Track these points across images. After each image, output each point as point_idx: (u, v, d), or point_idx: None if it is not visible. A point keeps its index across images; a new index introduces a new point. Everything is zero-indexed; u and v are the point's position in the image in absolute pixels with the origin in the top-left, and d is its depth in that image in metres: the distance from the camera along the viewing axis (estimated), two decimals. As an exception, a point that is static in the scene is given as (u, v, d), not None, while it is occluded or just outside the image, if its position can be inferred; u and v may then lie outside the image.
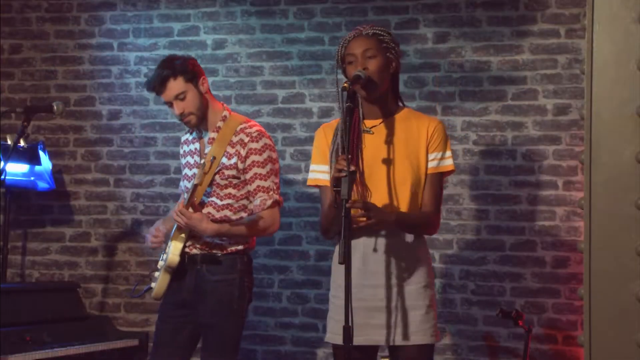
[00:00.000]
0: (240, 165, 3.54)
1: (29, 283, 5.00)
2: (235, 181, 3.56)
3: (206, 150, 3.60)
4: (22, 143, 4.28)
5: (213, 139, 3.60)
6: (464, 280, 4.61)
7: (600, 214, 2.40)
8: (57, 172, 5.06)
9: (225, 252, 3.55)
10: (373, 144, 3.07)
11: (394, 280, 3.01)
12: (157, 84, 3.56)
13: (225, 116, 3.64)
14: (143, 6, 5.10)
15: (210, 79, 4.94)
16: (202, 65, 4.94)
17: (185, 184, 3.67)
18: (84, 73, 5.15)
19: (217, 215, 3.55)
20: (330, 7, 4.86)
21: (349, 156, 2.80)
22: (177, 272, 3.56)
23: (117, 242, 5.06)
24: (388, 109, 3.12)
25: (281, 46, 4.92)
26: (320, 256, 4.78)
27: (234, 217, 3.56)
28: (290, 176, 4.87)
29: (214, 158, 3.47)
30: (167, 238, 3.62)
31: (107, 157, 5.09)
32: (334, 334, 3.07)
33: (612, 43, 2.41)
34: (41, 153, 4.76)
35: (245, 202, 3.58)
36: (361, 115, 3.05)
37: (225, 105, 3.71)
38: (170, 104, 3.59)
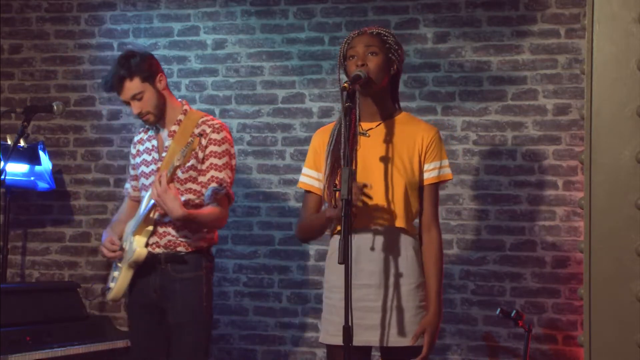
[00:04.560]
0: (200, 155, 3.55)
1: (29, 283, 5.00)
2: (194, 174, 3.56)
3: (167, 144, 3.60)
4: (22, 143, 4.28)
5: (174, 131, 3.61)
6: (464, 280, 4.61)
7: (600, 214, 2.39)
8: (57, 172, 5.06)
9: (189, 250, 3.55)
10: (368, 147, 3.07)
11: (385, 280, 3.00)
12: (113, 84, 3.57)
13: (185, 110, 3.65)
14: (143, 6, 5.10)
15: (210, 79, 4.98)
16: (202, 66, 4.99)
17: (143, 182, 3.67)
18: (84, 73, 5.15)
19: None
20: (330, 7, 4.86)
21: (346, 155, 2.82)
22: (139, 272, 3.56)
23: (117, 242, 5.06)
24: (385, 112, 3.11)
25: (281, 46, 4.92)
26: (320, 256, 4.78)
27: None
28: (290, 176, 4.87)
29: (186, 145, 3.43)
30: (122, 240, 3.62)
31: (107, 157, 5.09)
32: (326, 335, 3.07)
33: (612, 43, 2.41)
34: (41, 153, 4.76)
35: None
36: (358, 117, 3.05)
37: (185, 101, 3.71)
38: (127, 103, 3.60)
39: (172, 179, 3.41)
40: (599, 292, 2.38)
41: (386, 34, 3.09)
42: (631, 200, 2.37)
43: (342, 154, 2.89)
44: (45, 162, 4.82)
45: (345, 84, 2.89)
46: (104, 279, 5.05)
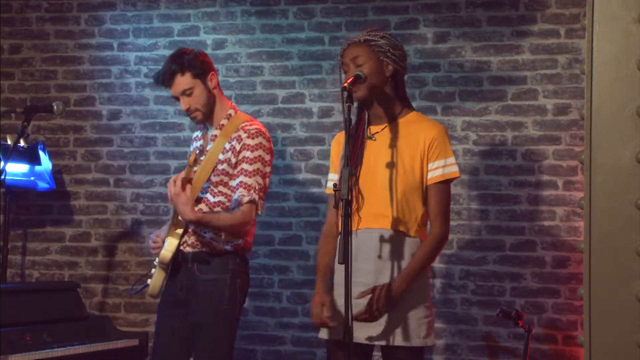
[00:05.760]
0: (233, 160, 3.52)
1: (29, 283, 4.99)
2: (226, 179, 3.54)
3: (208, 147, 3.59)
4: (22, 143, 4.27)
5: (215, 136, 3.59)
6: (464, 280, 4.61)
7: (600, 214, 2.40)
8: (57, 172, 5.06)
9: (216, 251, 3.52)
10: (373, 150, 3.09)
11: (384, 279, 3.01)
12: (165, 78, 3.57)
13: (230, 114, 3.61)
14: (143, 6, 5.10)
15: (210, 79, 4.97)
16: (202, 65, 4.98)
17: None
18: (84, 73, 5.15)
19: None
20: (330, 7, 4.86)
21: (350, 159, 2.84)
22: (172, 270, 3.56)
23: (117, 242, 5.06)
24: (391, 113, 3.12)
25: (281, 46, 4.91)
26: (320, 256, 4.77)
27: None
28: (290, 176, 4.87)
29: (206, 152, 3.47)
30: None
31: (107, 157, 5.09)
32: (324, 330, 3.09)
33: (612, 43, 2.41)
34: (41, 153, 4.76)
35: None
36: (367, 121, 3.09)
37: (233, 104, 3.69)
38: (177, 99, 3.60)
39: (188, 181, 3.38)
40: (599, 292, 2.38)
41: (374, 38, 3.07)
42: (631, 200, 2.37)
43: (343, 154, 2.90)
44: (45, 162, 4.82)
45: (345, 85, 2.91)
46: (104, 279, 5.06)
